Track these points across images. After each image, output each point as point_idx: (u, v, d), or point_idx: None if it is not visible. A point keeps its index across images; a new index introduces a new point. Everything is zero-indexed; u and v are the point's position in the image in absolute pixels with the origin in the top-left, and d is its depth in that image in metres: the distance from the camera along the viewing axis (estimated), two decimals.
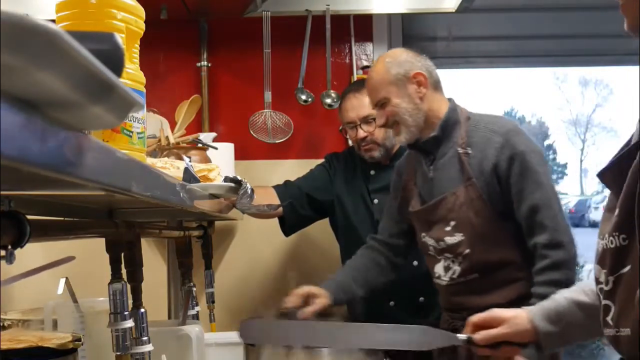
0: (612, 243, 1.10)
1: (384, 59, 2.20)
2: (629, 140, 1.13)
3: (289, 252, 3.10)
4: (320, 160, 2.80)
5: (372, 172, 2.65)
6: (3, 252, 0.77)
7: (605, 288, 1.12)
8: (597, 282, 1.16)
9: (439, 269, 2.18)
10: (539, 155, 2.09)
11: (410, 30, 3.53)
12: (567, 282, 1.91)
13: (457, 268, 2.12)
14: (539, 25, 3.89)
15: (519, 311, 1.53)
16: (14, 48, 0.45)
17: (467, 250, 2.09)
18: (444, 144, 2.15)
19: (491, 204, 2.06)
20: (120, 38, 0.73)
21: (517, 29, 3.75)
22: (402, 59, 2.17)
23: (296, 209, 2.65)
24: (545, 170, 2.08)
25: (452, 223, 2.10)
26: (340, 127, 2.66)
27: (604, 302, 1.14)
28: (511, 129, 2.11)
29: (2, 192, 0.79)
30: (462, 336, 1.53)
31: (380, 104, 2.17)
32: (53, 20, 0.90)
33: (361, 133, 2.54)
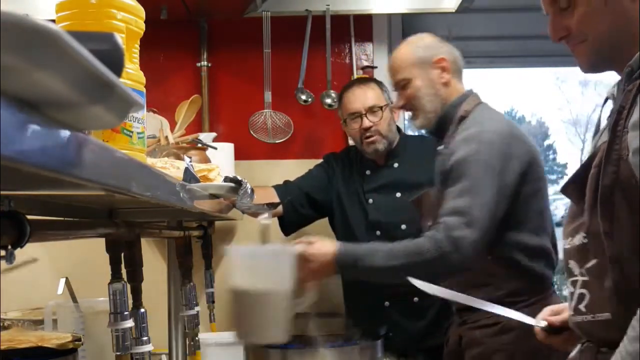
0: (579, 241, 1.30)
1: (410, 40, 2.18)
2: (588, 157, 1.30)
3: None
4: (320, 161, 2.80)
5: (368, 172, 2.65)
6: (3, 252, 0.77)
7: (581, 279, 1.30)
8: (571, 274, 1.32)
9: None
10: (481, 166, 1.93)
11: (410, 30, 3.52)
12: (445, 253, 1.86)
13: None
14: (539, 25, 3.88)
15: None
16: (14, 48, 0.45)
17: None
18: (440, 139, 2.13)
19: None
20: (120, 38, 0.73)
21: (517, 29, 3.75)
22: (428, 43, 2.15)
23: (296, 208, 2.65)
24: (483, 181, 1.92)
25: (429, 221, 2.08)
26: (343, 120, 2.63)
27: (578, 290, 1.30)
28: (472, 135, 1.98)
29: (2, 192, 0.79)
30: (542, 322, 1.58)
31: (401, 85, 2.15)
32: (53, 20, 0.90)
33: (366, 122, 2.54)
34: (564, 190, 1.35)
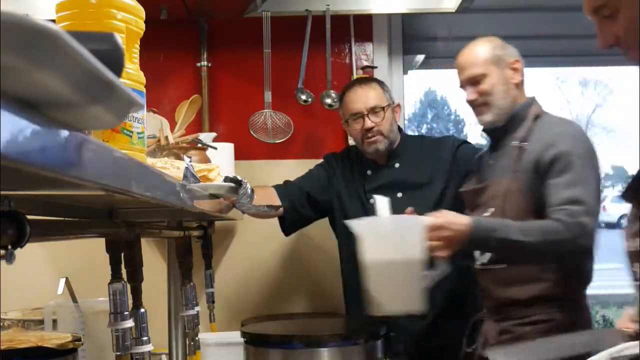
0: None
1: (485, 40, 2.25)
2: None
3: (289, 252, 3.10)
4: (320, 161, 2.80)
5: (369, 172, 2.65)
6: (3, 252, 0.77)
7: None
8: (636, 277, 1.35)
9: (476, 252, 2.21)
10: (583, 159, 2.05)
11: (410, 30, 3.53)
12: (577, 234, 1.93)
13: (488, 254, 2.16)
14: (539, 25, 3.89)
15: None
16: (14, 48, 0.45)
17: None
18: (507, 135, 2.19)
19: (529, 199, 2.07)
20: (120, 38, 0.73)
21: (517, 29, 3.75)
22: (503, 45, 2.23)
23: (296, 208, 2.65)
24: (588, 173, 2.03)
25: (490, 210, 2.14)
26: (345, 120, 2.63)
27: None
28: (563, 132, 2.10)
29: (2, 192, 0.79)
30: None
31: (474, 80, 2.20)
32: (53, 20, 0.90)
33: (368, 123, 2.54)
34: (624, 195, 1.37)
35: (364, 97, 2.56)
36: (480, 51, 2.22)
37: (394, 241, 2.01)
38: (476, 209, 2.20)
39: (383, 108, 2.55)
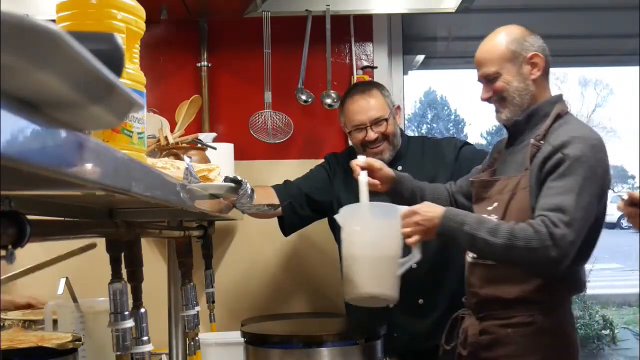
0: None
1: (503, 32, 2.14)
2: None
3: (288, 252, 3.11)
4: (320, 161, 2.80)
5: None
6: (3, 252, 0.77)
7: None
8: None
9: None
10: (589, 168, 1.96)
11: (410, 30, 3.53)
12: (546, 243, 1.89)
13: None
14: (539, 25, 3.88)
15: None
16: (14, 48, 0.45)
17: None
18: (527, 131, 2.12)
19: (534, 198, 2.01)
20: (120, 38, 0.73)
21: None
22: (522, 37, 2.12)
23: (295, 209, 2.65)
24: (587, 184, 1.94)
25: (495, 204, 2.10)
26: (348, 130, 2.62)
27: None
28: (579, 136, 2.00)
29: (2, 192, 0.79)
30: None
31: (490, 77, 2.12)
32: (53, 21, 0.90)
33: (372, 135, 2.53)
34: None
35: (366, 108, 2.54)
36: (495, 47, 2.12)
37: (371, 228, 2.07)
38: (482, 201, 2.16)
39: (386, 119, 2.54)
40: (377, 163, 2.27)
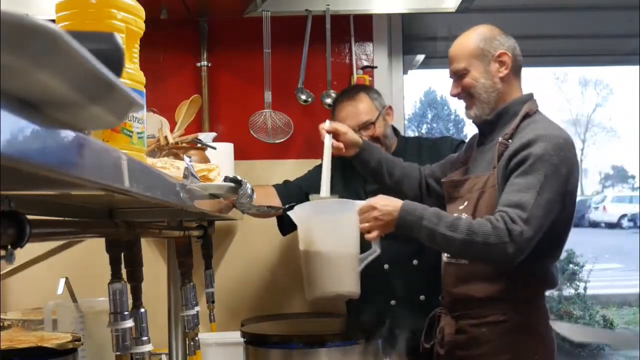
0: None
1: (474, 31, 2.18)
2: None
3: (288, 252, 3.10)
4: (320, 160, 2.80)
5: None
6: (3, 252, 0.77)
7: None
8: None
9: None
10: (551, 167, 1.96)
11: (410, 30, 3.53)
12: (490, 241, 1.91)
13: None
14: (539, 25, 3.89)
15: None
16: (14, 48, 0.45)
17: None
18: (497, 130, 2.15)
19: (500, 195, 2.02)
20: (120, 38, 0.73)
21: (517, 28, 3.74)
22: (492, 36, 2.16)
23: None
24: (549, 182, 1.95)
25: (465, 203, 2.12)
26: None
27: None
28: (545, 134, 2.01)
29: (2, 192, 0.79)
30: None
31: (459, 74, 2.16)
32: (53, 20, 0.90)
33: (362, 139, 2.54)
34: None
35: (353, 113, 2.59)
36: (465, 44, 2.16)
37: (329, 224, 2.07)
38: (454, 201, 2.18)
39: (374, 123, 2.57)
40: (342, 127, 2.34)
